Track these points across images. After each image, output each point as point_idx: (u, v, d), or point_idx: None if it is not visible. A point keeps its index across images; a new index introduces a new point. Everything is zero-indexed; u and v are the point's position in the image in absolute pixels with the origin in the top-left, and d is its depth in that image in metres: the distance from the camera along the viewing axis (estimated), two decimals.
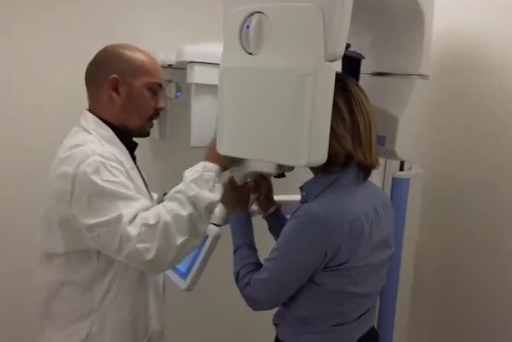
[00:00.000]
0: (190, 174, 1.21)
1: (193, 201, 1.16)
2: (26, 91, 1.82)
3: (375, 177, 1.54)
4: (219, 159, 1.25)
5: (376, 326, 1.46)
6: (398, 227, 1.69)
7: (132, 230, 1.09)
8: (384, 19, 1.33)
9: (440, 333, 2.00)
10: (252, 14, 1.09)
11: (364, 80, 1.38)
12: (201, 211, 1.16)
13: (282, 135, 1.08)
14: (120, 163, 1.20)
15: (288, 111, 1.06)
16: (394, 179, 1.73)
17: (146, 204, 1.17)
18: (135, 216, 1.11)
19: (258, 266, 1.25)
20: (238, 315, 2.12)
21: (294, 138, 1.06)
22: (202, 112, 1.78)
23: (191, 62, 1.71)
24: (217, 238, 1.39)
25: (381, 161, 1.64)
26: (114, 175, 1.14)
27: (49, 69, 1.84)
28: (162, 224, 1.11)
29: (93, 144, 1.19)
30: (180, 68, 1.85)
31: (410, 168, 1.78)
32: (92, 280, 1.22)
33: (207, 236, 1.38)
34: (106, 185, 1.12)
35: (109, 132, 1.27)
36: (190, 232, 1.15)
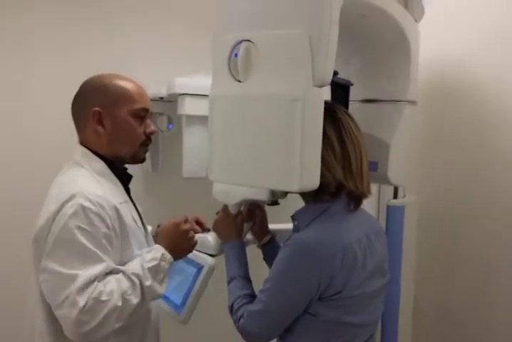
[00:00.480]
0: (149, 257, 1.18)
1: (145, 292, 1.13)
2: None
3: (369, 205, 1.53)
4: (176, 247, 1.25)
5: None
6: (395, 255, 1.67)
7: (80, 299, 1.05)
8: (370, 46, 1.36)
9: None
10: (240, 42, 1.11)
11: (354, 107, 1.40)
12: (146, 302, 1.15)
13: (273, 160, 1.08)
14: (108, 203, 1.16)
15: (278, 137, 1.06)
16: (389, 207, 1.72)
17: (108, 267, 1.12)
18: (89, 283, 1.07)
19: (252, 298, 1.21)
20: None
21: (286, 163, 1.05)
22: (193, 143, 1.80)
23: (182, 94, 1.74)
24: (211, 269, 1.36)
25: (375, 189, 1.65)
26: (92, 223, 1.10)
27: (41, 100, 1.85)
28: (111, 305, 1.07)
29: (84, 182, 1.17)
30: (171, 101, 1.88)
31: (404, 196, 1.77)
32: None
33: (201, 267, 1.36)
34: (78, 234, 1.08)
35: (101, 165, 1.25)
36: (128, 319, 1.12)
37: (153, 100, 1.91)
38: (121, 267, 1.16)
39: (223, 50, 1.14)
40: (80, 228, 1.09)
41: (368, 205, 1.37)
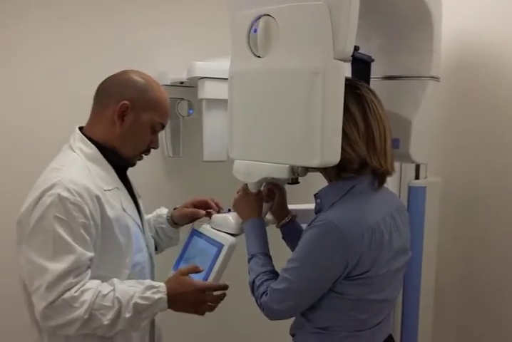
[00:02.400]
0: (145, 294, 1.16)
1: (119, 320, 1.12)
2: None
3: (390, 185, 1.52)
4: (182, 305, 1.23)
5: (399, 333, 1.41)
6: (417, 236, 1.66)
7: (48, 295, 1.08)
8: (392, 21, 1.34)
9: (464, 337, 1.95)
10: (259, 17, 1.10)
11: (375, 85, 1.37)
12: (116, 328, 1.14)
13: (293, 135, 1.07)
14: (88, 192, 1.15)
15: (299, 111, 1.05)
16: (410, 188, 1.71)
17: (80, 258, 1.11)
18: (59, 280, 1.08)
19: (274, 274, 1.22)
20: (253, 325, 2.07)
21: (306, 138, 1.05)
22: (213, 127, 1.80)
23: (202, 78, 1.74)
24: (232, 248, 1.36)
25: (397, 169, 1.62)
26: (70, 213, 1.11)
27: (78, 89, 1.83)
28: (77, 314, 1.08)
29: (69, 169, 1.18)
30: (192, 86, 1.88)
31: (426, 176, 1.75)
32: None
33: (222, 246, 1.36)
34: (55, 223, 1.10)
35: (93, 151, 1.25)
36: (93, 331, 1.13)
37: (173, 85, 1.94)
38: (115, 280, 1.17)
39: (242, 26, 1.13)
40: (56, 217, 1.10)
41: (389, 185, 1.35)
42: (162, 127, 1.32)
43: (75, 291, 1.10)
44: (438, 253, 1.81)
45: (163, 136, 1.99)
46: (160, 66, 1.94)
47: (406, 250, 1.26)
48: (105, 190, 1.21)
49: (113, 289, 1.14)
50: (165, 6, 1.99)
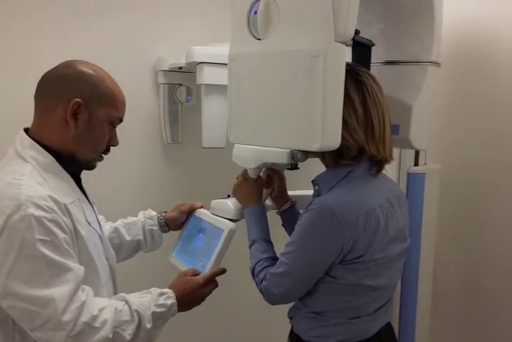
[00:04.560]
0: (160, 301, 1.13)
1: (140, 332, 1.07)
2: None
3: (390, 172, 1.52)
4: (186, 303, 1.20)
5: (398, 321, 1.42)
6: (416, 222, 1.66)
7: (64, 324, 0.97)
8: (393, 5, 1.33)
9: (462, 327, 1.97)
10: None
11: (375, 70, 1.37)
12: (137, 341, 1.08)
13: (294, 119, 1.07)
14: (57, 204, 1.04)
15: (299, 94, 1.04)
16: (409, 175, 1.70)
17: (79, 273, 1.03)
18: (69, 301, 0.99)
19: (274, 261, 1.22)
20: (254, 309, 2.10)
21: (307, 122, 1.04)
22: (212, 113, 1.79)
23: (200, 63, 1.72)
24: (232, 233, 1.35)
25: (396, 155, 1.62)
26: (51, 231, 1.00)
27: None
28: (101, 336, 1.00)
29: (28, 184, 1.03)
30: (190, 72, 1.87)
31: (425, 163, 1.75)
32: None
33: (222, 231, 1.36)
34: (40, 247, 0.98)
35: (49, 160, 1.10)
36: None
37: (172, 70, 1.93)
38: (126, 296, 1.12)
39: (242, 8, 1.12)
40: (40, 240, 0.98)
41: (388, 172, 1.34)
42: (120, 121, 1.20)
43: (92, 309, 1.02)
44: (436, 240, 1.81)
45: (161, 122, 1.98)
46: (158, 51, 1.92)
47: (404, 237, 1.26)
48: (68, 204, 1.07)
49: (127, 302, 1.09)
50: None
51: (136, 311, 1.08)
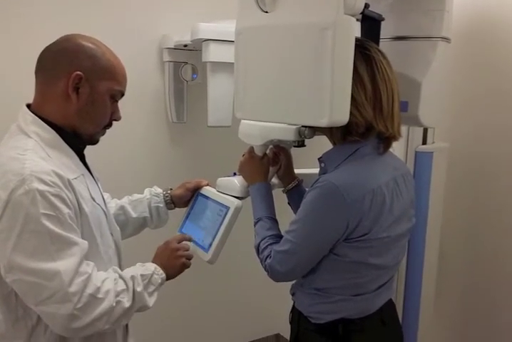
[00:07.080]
0: (143, 268, 1.17)
1: (135, 298, 1.10)
2: None
3: (397, 150, 1.50)
4: (167, 265, 1.22)
5: (403, 298, 1.42)
6: (423, 201, 1.66)
7: (70, 296, 0.98)
8: None
9: (466, 305, 1.98)
10: None
11: (384, 45, 1.34)
12: (134, 308, 1.11)
13: (302, 94, 1.05)
14: (61, 179, 1.03)
15: (308, 69, 1.02)
16: (417, 153, 1.69)
17: (83, 247, 1.04)
18: (75, 273, 1.00)
19: (279, 238, 1.22)
20: (257, 286, 2.12)
21: (315, 97, 1.02)
22: (218, 92, 1.77)
23: (206, 40, 1.70)
24: (238, 210, 1.35)
25: (404, 134, 1.61)
26: (55, 206, 1.00)
27: None
28: (106, 305, 1.03)
29: (31, 159, 1.02)
30: (195, 50, 1.84)
31: (433, 142, 1.73)
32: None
33: (228, 209, 1.35)
34: (44, 221, 0.98)
35: (53, 136, 1.10)
36: (115, 322, 1.07)
37: (177, 48, 1.90)
38: (117, 268, 1.14)
39: None
40: (44, 215, 0.98)
41: (396, 151, 1.33)
42: (122, 95, 1.19)
43: (96, 281, 1.03)
44: (443, 220, 1.81)
45: (167, 101, 1.96)
46: (163, 29, 1.90)
47: (409, 217, 1.25)
48: (71, 179, 1.07)
49: (119, 273, 1.12)
50: None
51: (129, 278, 1.11)
